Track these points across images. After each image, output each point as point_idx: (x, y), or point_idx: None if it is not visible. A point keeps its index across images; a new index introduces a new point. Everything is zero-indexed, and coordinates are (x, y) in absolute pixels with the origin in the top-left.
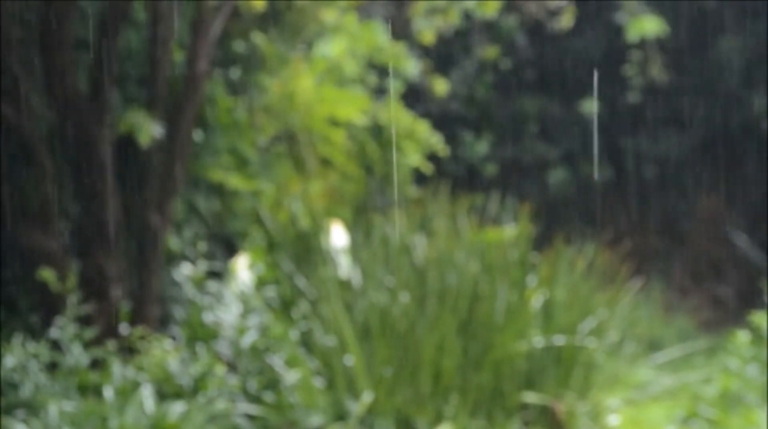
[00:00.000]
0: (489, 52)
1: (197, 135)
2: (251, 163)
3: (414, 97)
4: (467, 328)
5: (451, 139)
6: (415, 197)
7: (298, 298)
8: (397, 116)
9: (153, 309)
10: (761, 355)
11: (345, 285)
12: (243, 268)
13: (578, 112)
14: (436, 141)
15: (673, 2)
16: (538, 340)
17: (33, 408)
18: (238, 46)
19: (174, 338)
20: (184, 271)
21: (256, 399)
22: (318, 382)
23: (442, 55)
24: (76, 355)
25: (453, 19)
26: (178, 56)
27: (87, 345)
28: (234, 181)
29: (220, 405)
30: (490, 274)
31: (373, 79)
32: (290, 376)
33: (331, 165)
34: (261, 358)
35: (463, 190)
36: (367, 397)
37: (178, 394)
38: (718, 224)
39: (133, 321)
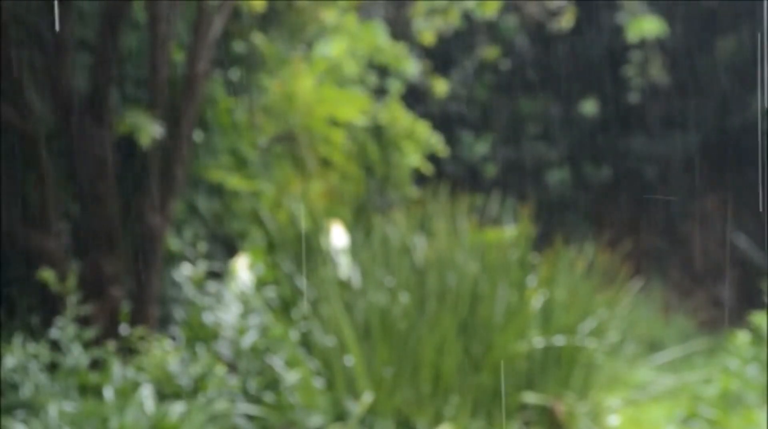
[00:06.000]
0: (489, 52)
1: (197, 135)
2: (251, 163)
3: (414, 97)
4: (467, 328)
5: (451, 139)
6: (415, 197)
7: (298, 298)
8: (397, 116)
9: (153, 309)
10: (761, 355)
11: (345, 285)
12: (243, 268)
13: (578, 112)
14: (436, 141)
15: (673, 2)
16: (538, 341)
17: (33, 408)
18: (238, 46)
19: (174, 338)
20: (184, 271)
21: (256, 399)
22: (318, 382)
23: (442, 55)
24: (76, 356)
25: (453, 20)
26: (178, 56)
27: (87, 345)
28: (234, 181)
29: (220, 405)
30: (490, 274)
31: (373, 79)
32: (290, 376)
33: (331, 165)
34: (261, 359)
35: (463, 190)
36: (367, 397)
37: (178, 394)
38: (718, 224)
39: (133, 321)
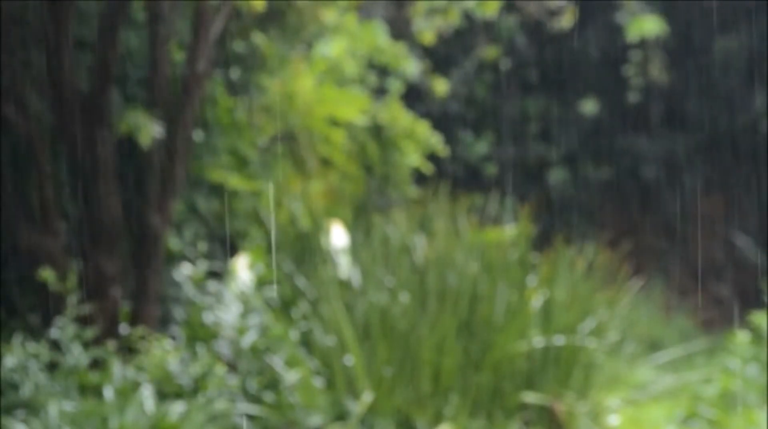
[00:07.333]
0: (489, 52)
1: (197, 135)
2: (251, 163)
3: (414, 97)
4: (467, 328)
5: (451, 139)
6: (415, 197)
7: (298, 298)
8: (397, 116)
9: (153, 309)
10: (761, 355)
11: (345, 285)
12: (243, 268)
13: (578, 112)
14: (436, 141)
15: (673, 2)
16: (538, 340)
17: (33, 408)
18: (238, 46)
19: (174, 338)
20: (184, 271)
21: (256, 399)
22: (318, 382)
23: (442, 55)
24: (76, 355)
25: (453, 19)
26: (178, 56)
27: (87, 345)
28: (234, 181)
29: (220, 405)
30: (490, 274)
31: (373, 79)
32: (290, 376)
33: (331, 165)
34: (261, 358)
35: (463, 190)
36: (367, 397)
37: (178, 394)
38: (718, 224)
39: (133, 321)
